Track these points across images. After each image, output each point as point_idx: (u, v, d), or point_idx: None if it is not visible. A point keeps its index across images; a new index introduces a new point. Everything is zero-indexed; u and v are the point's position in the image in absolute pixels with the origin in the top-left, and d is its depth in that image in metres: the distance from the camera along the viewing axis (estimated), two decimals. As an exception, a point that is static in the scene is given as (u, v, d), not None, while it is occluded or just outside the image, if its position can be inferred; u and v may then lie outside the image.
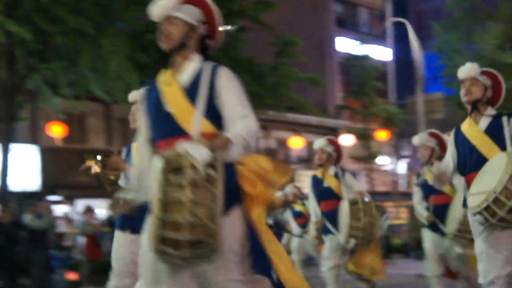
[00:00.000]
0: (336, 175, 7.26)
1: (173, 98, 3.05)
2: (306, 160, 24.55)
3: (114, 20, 13.20)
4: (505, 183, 4.15)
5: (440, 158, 6.71)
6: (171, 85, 3.08)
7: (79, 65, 12.33)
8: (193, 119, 2.96)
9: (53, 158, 17.53)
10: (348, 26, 29.26)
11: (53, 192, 17.38)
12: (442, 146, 6.76)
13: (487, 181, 4.29)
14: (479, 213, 4.27)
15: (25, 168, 16.69)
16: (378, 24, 29.92)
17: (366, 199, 7.06)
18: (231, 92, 3.00)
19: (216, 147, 2.79)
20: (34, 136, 17.53)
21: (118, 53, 12.50)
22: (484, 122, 4.63)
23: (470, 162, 4.58)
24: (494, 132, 4.56)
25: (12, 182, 13.46)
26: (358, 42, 27.10)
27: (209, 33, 3.20)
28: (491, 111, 4.67)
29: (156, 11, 3.13)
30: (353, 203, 6.90)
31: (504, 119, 4.56)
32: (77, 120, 18.28)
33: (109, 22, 12.81)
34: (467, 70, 4.70)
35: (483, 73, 4.73)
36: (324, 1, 28.36)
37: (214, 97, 3.01)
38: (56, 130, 16.52)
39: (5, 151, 12.95)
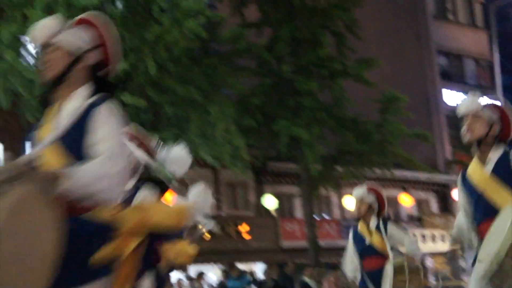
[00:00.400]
0: (377, 228, 6.38)
1: (44, 136, 2.66)
2: (417, 219, 23.75)
3: (220, 87, 13.66)
4: (508, 248, 3.59)
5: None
6: (47, 122, 2.70)
7: (188, 132, 12.73)
8: (35, 150, 2.56)
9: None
10: (454, 78, 28.59)
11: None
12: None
13: (492, 244, 3.70)
14: (486, 284, 3.73)
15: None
16: (486, 74, 29.04)
17: (415, 264, 6.24)
18: (101, 131, 2.57)
19: (30, 174, 2.26)
20: (147, 203, 18.10)
21: (225, 118, 12.86)
22: (492, 162, 3.99)
23: (479, 210, 3.96)
24: (502, 171, 3.92)
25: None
26: (465, 95, 26.38)
27: (103, 59, 2.75)
28: (499, 148, 4.03)
29: (35, 36, 2.71)
30: (398, 271, 6.09)
31: (511, 154, 3.96)
32: (187, 187, 18.73)
33: (215, 89, 13.25)
34: (467, 104, 4.13)
35: (488, 106, 4.14)
36: (428, 55, 27.96)
37: (84, 135, 2.59)
38: (167, 196, 16.99)
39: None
